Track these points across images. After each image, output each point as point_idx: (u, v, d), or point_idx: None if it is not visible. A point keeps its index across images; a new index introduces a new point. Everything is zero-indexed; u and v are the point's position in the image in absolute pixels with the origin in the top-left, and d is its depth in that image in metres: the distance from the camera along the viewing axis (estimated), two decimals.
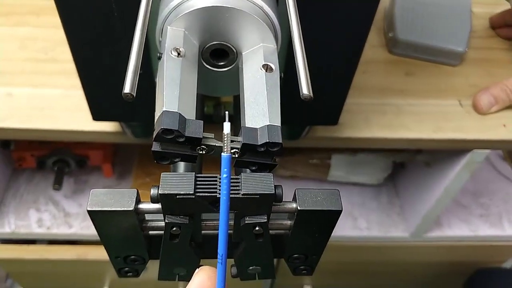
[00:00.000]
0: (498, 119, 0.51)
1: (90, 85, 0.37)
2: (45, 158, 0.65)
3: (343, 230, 0.70)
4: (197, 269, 0.21)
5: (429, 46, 0.55)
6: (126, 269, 0.27)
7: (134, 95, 0.20)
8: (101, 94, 0.38)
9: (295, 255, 0.27)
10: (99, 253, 0.66)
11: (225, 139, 0.20)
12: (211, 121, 0.37)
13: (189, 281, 0.22)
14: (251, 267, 0.27)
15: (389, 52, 0.56)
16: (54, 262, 0.65)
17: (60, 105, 0.47)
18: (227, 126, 0.20)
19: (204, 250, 0.26)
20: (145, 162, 0.68)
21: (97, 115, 0.40)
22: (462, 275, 0.78)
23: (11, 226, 0.64)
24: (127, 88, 0.20)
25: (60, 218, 0.66)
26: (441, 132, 0.50)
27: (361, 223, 0.71)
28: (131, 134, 0.45)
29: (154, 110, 0.35)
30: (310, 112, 0.41)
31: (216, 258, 0.20)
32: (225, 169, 0.19)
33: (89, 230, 0.65)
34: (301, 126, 0.45)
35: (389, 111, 0.51)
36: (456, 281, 0.78)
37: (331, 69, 0.37)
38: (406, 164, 0.70)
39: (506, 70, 0.56)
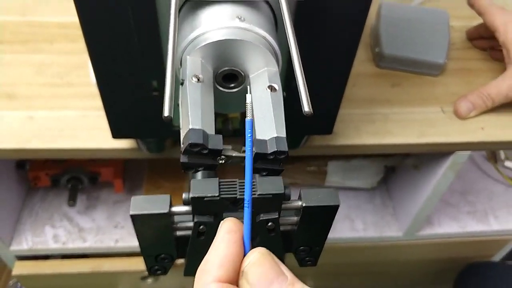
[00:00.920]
0: (477, 123, 0.56)
1: (111, 105, 0.41)
2: (59, 176, 0.70)
3: (341, 232, 0.75)
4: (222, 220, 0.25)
5: (412, 59, 0.60)
6: (156, 267, 0.32)
7: (172, 117, 0.25)
8: (121, 114, 0.43)
9: (301, 247, 0.32)
10: (113, 265, 0.70)
11: (248, 106, 0.24)
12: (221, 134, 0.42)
13: None
14: None
15: (376, 66, 0.61)
16: (70, 275, 0.69)
17: (78, 125, 0.52)
18: (249, 97, 0.25)
19: None
20: (154, 176, 0.73)
21: (116, 133, 0.45)
22: (454, 271, 0.82)
23: (28, 243, 0.68)
24: (166, 112, 0.24)
25: (74, 233, 0.70)
26: (425, 137, 0.54)
27: (358, 225, 0.75)
28: (146, 150, 0.50)
29: (168, 126, 0.40)
30: (308, 123, 0.46)
31: None
32: (249, 130, 0.23)
33: (102, 243, 0.69)
34: (300, 136, 0.50)
35: (377, 120, 0.55)
36: (449, 277, 0.83)
37: (325, 84, 0.42)
38: (397, 168, 0.74)
39: (482, 78, 0.61)
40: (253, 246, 0.31)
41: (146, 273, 0.70)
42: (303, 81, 0.27)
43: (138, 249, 0.59)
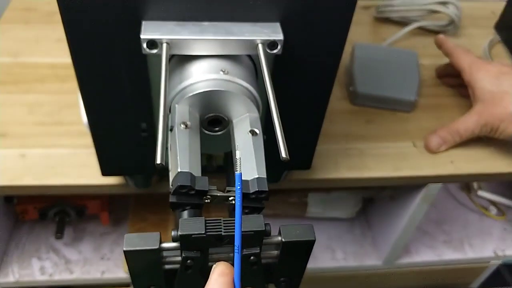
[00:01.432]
0: (447, 157, 0.60)
1: (101, 144, 0.44)
2: (47, 210, 0.71)
3: (323, 262, 0.77)
4: (215, 264, 0.27)
5: (385, 97, 0.64)
6: None
7: (164, 164, 0.27)
8: (110, 153, 0.45)
9: (282, 279, 0.34)
10: None
11: (237, 161, 0.27)
12: (206, 171, 0.45)
13: None
14: None
15: (351, 103, 0.65)
16: None
17: (68, 163, 0.54)
18: (238, 154, 0.27)
19: None
20: (139, 208, 0.75)
21: (106, 171, 0.47)
22: None
23: (15, 275, 0.69)
24: (158, 160, 0.27)
25: (61, 265, 0.71)
26: (399, 170, 0.58)
27: (338, 254, 0.78)
28: (133, 185, 0.52)
29: (154, 164, 0.43)
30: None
31: None
32: (239, 183, 0.26)
33: (89, 275, 0.71)
34: (280, 171, 0.53)
35: (353, 154, 0.59)
36: None
37: (303, 125, 0.45)
38: (375, 199, 0.78)
39: (452, 114, 0.65)
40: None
41: None
42: (281, 131, 0.30)
43: (124, 281, 0.60)
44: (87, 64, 0.36)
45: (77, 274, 0.70)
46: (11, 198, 0.71)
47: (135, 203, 0.76)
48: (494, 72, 0.58)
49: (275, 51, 0.34)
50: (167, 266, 0.32)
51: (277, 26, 0.34)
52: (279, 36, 0.33)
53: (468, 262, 0.81)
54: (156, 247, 0.29)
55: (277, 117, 0.30)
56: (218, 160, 0.46)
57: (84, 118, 0.44)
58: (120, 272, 0.71)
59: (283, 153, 0.29)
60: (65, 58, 0.67)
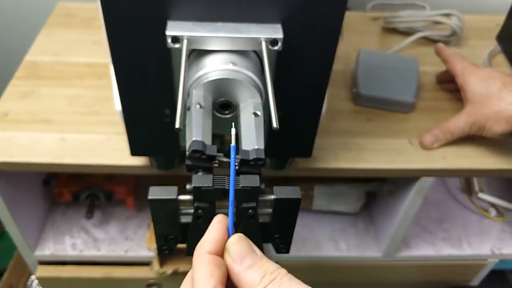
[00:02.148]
0: (439, 153, 0.66)
1: (131, 127, 0.52)
2: (79, 193, 0.80)
3: (327, 251, 0.83)
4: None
5: (385, 98, 0.70)
6: (165, 247, 0.41)
7: (181, 128, 0.35)
8: (138, 135, 0.53)
9: (276, 235, 0.41)
10: (122, 272, 0.79)
11: (233, 135, 0.35)
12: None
13: None
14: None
15: (354, 104, 0.72)
16: (84, 280, 0.78)
17: (102, 146, 0.62)
18: (233, 131, 0.35)
19: None
20: None
21: (134, 151, 0.55)
22: None
23: (50, 249, 0.78)
24: (177, 124, 0.34)
25: (90, 243, 0.80)
26: (394, 163, 0.64)
27: (342, 246, 0.84)
28: (156, 167, 0.60)
29: (176, 147, 0.50)
30: (290, 148, 0.56)
31: None
32: (233, 153, 0.33)
33: (114, 252, 0.79)
34: (284, 159, 0.60)
35: (353, 149, 0.66)
36: None
37: (303, 114, 0.52)
38: (376, 195, 0.84)
39: (447, 116, 0.70)
40: (236, 232, 0.41)
41: (151, 280, 0.79)
42: (274, 106, 0.37)
43: (145, 259, 0.69)
44: (122, 57, 0.44)
45: (104, 252, 0.79)
46: (49, 181, 0.80)
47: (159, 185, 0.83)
48: (484, 76, 0.64)
49: (276, 47, 0.41)
50: (182, 219, 0.39)
51: (278, 27, 0.41)
52: (279, 35, 0.41)
53: (465, 259, 0.86)
54: (174, 197, 0.36)
55: (272, 97, 0.37)
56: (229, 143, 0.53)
57: (118, 106, 0.52)
58: (141, 251, 0.79)
59: (274, 123, 0.36)
60: (100, 58, 0.77)
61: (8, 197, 0.67)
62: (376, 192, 0.83)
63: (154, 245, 0.76)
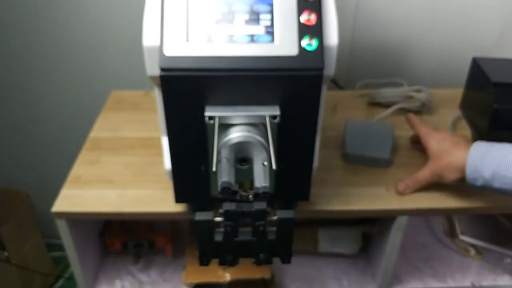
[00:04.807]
0: (410, 197, 0.84)
1: (177, 180, 0.72)
2: (127, 242, 0.99)
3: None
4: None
5: (367, 156, 0.90)
6: (204, 259, 0.60)
7: (216, 171, 0.55)
8: (182, 185, 0.73)
9: (280, 248, 0.60)
10: None
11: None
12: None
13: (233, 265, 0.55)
14: (261, 254, 0.60)
15: (344, 162, 0.92)
16: None
17: (151, 199, 0.83)
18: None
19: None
20: (194, 243, 1.01)
21: (179, 199, 0.75)
22: None
23: None
24: (214, 168, 0.55)
25: (136, 285, 0.98)
26: (375, 206, 0.83)
27: (344, 283, 1.00)
28: (192, 212, 0.80)
29: (208, 195, 0.70)
30: (292, 193, 0.75)
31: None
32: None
33: None
34: (291, 202, 0.79)
35: (343, 195, 0.85)
36: None
37: (299, 166, 0.72)
38: (371, 238, 1.01)
39: (417, 169, 0.89)
40: (254, 246, 0.60)
41: None
42: (274, 158, 0.58)
43: None
44: (174, 130, 0.66)
45: None
46: (103, 234, 1.00)
47: (190, 238, 1.02)
48: (439, 138, 0.84)
49: (275, 120, 0.62)
50: (216, 238, 0.59)
51: (276, 107, 0.63)
52: (277, 112, 0.62)
53: None
54: (211, 218, 0.56)
55: (274, 155, 0.58)
56: (247, 186, 0.73)
57: (167, 166, 0.73)
58: None
59: (274, 166, 0.57)
60: (147, 133, 0.99)
61: (77, 243, 0.87)
62: (370, 234, 1.00)
63: (189, 280, 0.94)
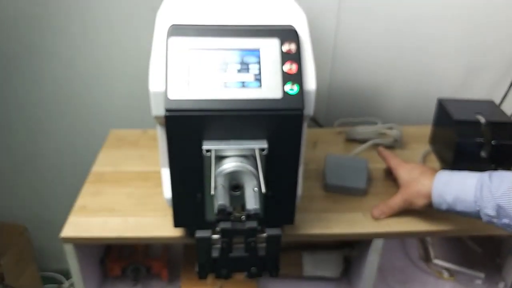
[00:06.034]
0: (385, 222, 0.94)
1: (176, 207, 0.81)
2: (126, 267, 1.07)
3: None
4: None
5: (345, 186, 1.01)
6: (202, 273, 0.69)
7: (214, 194, 0.65)
8: (180, 211, 0.82)
9: (269, 263, 0.69)
10: None
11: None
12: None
13: (227, 278, 0.64)
14: (252, 268, 0.69)
15: (325, 191, 1.02)
16: None
17: (151, 225, 0.91)
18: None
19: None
20: (188, 266, 1.09)
21: (177, 223, 0.84)
22: None
23: None
24: (212, 191, 0.65)
25: None
26: (352, 229, 0.93)
27: None
28: (189, 236, 0.89)
29: (203, 220, 0.79)
30: (279, 217, 0.85)
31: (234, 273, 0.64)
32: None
33: None
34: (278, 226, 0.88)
35: (324, 220, 0.94)
36: None
37: (284, 192, 0.81)
38: (351, 261, 1.10)
39: (390, 196, 1.00)
40: (246, 260, 0.69)
41: None
42: (264, 185, 0.68)
43: None
44: (175, 161, 0.76)
45: None
46: (103, 260, 1.07)
47: (184, 261, 1.10)
48: (408, 168, 0.95)
49: (264, 152, 0.72)
50: (213, 254, 0.68)
51: (264, 141, 0.73)
52: (265, 145, 0.72)
53: None
54: (209, 235, 0.65)
55: (263, 182, 0.68)
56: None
57: (167, 195, 0.82)
58: None
59: (263, 190, 0.67)
60: (145, 167, 1.09)
61: (81, 267, 0.94)
62: (350, 257, 1.10)
63: None
